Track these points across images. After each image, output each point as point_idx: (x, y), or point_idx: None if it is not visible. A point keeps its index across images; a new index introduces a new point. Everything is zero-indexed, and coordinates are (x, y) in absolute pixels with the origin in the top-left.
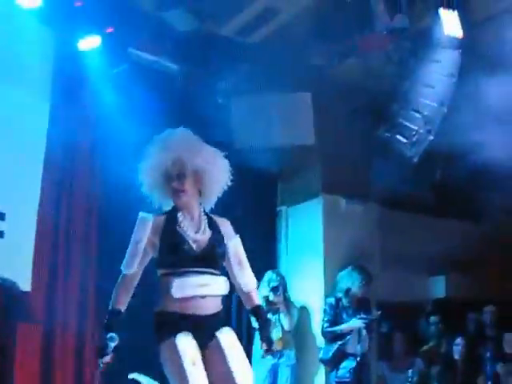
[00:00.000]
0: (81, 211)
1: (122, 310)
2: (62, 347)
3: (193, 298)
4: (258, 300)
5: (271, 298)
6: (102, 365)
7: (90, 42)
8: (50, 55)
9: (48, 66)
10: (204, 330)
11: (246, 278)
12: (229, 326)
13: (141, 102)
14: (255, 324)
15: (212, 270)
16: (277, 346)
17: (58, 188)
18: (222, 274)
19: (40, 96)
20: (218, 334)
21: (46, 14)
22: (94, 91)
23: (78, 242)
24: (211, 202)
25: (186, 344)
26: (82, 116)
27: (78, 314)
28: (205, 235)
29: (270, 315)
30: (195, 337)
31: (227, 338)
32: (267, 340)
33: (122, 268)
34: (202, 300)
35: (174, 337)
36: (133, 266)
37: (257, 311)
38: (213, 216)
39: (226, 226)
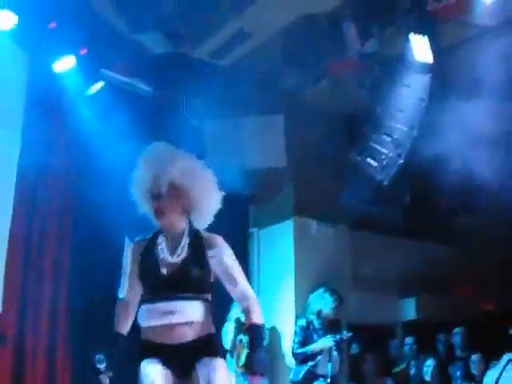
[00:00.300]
0: (53, 230)
1: (123, 333)
2: (33, 366)
3: (162, 326)
4: (254, 318)
5: (242, 319)
6: None
7: (64, 64)
8: (23, 76)
9: (21, 87)
10: (179, 358)
11: (238, 294)
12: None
13: (114, 122)
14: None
15: (185, 295)
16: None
17: (30, 206)
18: (202, 297)
19: (13, 115)
20: (197, 365)
21: (19, 35)
22: (67, 112)
23: (49, 262)
24: (204, 220)
25: (150, 372)
26: (56, 136)
27: (49, 334)
28: (179, 257)
29: (241, 336)
30: (172, 365)
31: (206, 371)
32: (252, 362)
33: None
34: (170, 328)
35: (143, 364)
36: (123, 292)
37: (248, 330)
38: (203, 234)
39: (215, 243)
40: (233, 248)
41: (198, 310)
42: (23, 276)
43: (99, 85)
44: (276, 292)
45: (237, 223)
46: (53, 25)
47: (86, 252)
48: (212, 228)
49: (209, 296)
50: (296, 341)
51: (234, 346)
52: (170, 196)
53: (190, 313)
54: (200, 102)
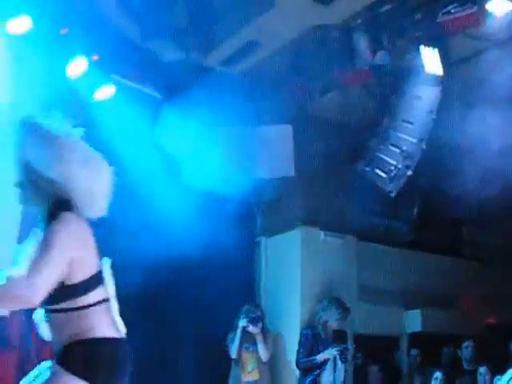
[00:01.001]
0: None
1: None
2: None
3: None
4: None
5: (249, 328)
6: None
7: (76, 68)
8: (37, 80)
9: (36, 90)
10: None
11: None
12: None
13: (124, 128)
14: None
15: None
16: (252, 376)
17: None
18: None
19: None
20: None
21: (33, 40)
22: (79, 116)
23: None
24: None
25: None
26: None
27: None
28: None
29: (246, 344)
30: None
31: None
32: None
33: None
34: None
35: None
36: None
37: None
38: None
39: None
40: (240, 256)
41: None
42: None
43: (110, 90)
44: (282, 301)
45: (244, 232)
46: (64, 30)
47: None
48: (220, 236)
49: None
50: (301, 351)
51: (239, 354)
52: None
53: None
54: (209, 111)
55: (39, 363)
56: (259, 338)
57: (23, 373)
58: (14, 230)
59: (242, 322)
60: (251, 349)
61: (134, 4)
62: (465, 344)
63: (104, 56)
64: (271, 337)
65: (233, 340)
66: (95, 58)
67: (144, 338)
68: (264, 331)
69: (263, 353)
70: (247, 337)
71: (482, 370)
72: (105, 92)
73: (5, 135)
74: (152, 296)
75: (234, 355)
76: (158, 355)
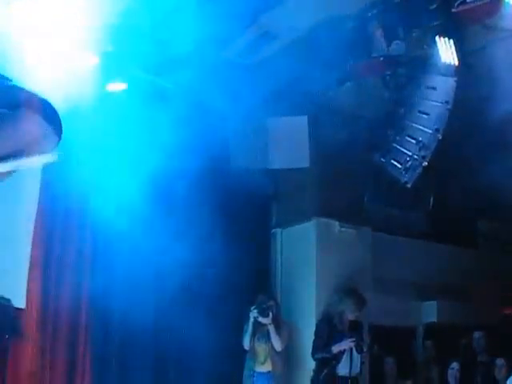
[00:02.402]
0: (75, 226)
1: None
2: (54, 365)
3: None
4: None
5: (260, 319)
6: None
7: (88, 62)
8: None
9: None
10: None
11: None
12: None
13: (137, 121)
14: None
15: None
16: (265, 367)
17: (53, 206)
18: None
19: None
20: None
21: None
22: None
23: (71, 259)
24: None
25: None
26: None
27: (70, 331)
28: None
29: (259, 335)
30: None
31: None
32: None
33: None
34: None
35: None
36: None
37: None
38: None
39: None
40: (255, 247)
41: None
42: (45, 273)
43: (123, 83)
44: (297, 292)
45: (260, 223)
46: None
47: (109, 248)
48: (235, 227)
49: None
50: (317, 341)
51: (252, 346)
52: None
53: None
54: (225, 102)
55: (54, 355)
56: (271, 329)
57: (38, 365)
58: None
59: (253, 313)
60: (263, 340)
61: None
62: (476, 335)
63: (118, 48)
64: (286, 327)
65: (246, 331)
66: (108, 49)
67: (162, 320)
68: (277, 321)
69: (275, 343)
70: (261, 328)
71: (499, 362)
72: (118, 84)
73: None
74: (169, 288)
75: (246, 346)
76: (175, 339)
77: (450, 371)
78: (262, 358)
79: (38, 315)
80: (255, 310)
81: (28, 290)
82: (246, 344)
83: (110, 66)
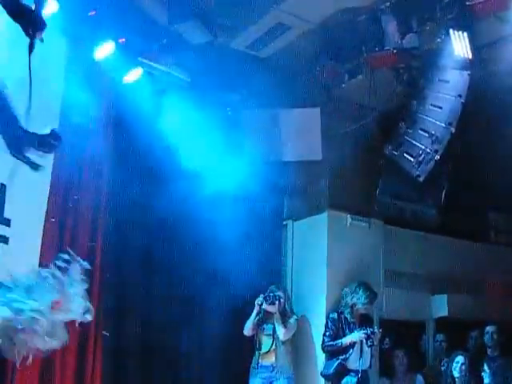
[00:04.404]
0: (86, 221)
1: None
2: (63, 362)
3: None
4: None
5: (264, 306)
6: None
7: (103, 51)
8: (63, 62)
9: (61, 72)
10: None
11: None
12: None
13: (151, 110)
14: None
15: None
16: (269, 359)
17: (64, 195)
18: None
19: (53, 100)
20: None
21: (60, 22)
22: (106, 98)
23: (83, 251)
24: None
25: None
26: (94, 121)
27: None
28: None
29: (264, 325)
30: None
31: None
32: None
33: None
34: None
35: None
36: None
37: None
38: None
39: None
40: (267, 239)
41: None
42: None
43: (138, 72)
44: (308, 284)
45: (272, 214)
46: (92, 13)
47: (120, 242)
48: (247, 218)
49: None
50: (327, 334)
51: (258, 336)
52: None
53: None
54: (237, 94)
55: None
56: (276, 317)
57: (48, 365)
58: None
59: (258, 300)
60: (269, 331)
61: None
62: (486, 329)
63: (131, 39)
64: (294, 319)
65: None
66: (122, 40)
67: (173, 318)
68: (285, 312)
69: (279, 331)
70: (268, 319)
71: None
72: (132, 75)
73: None
74: (179, 275)
75: (246, 332)
76: (185, 338)
77: (454, 364)
78: (265, 349)
79: None
80: (260, 297)
81: None
82: (246, 329)
83: (124, 57)
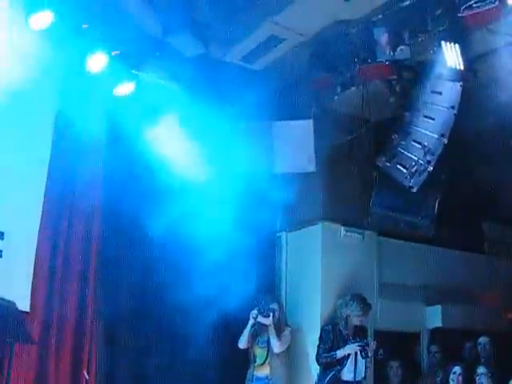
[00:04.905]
0: (80, 232)
1: None
2: (57, 367)
3: None
4: None
5: (259, 319)
6: None
7: (96, 63)
8: (57, 75)
9: (55, 85)
10: None
11: None
12: None
13: (145, 123)
14: None
15: None
16: (263, 371)
17: (59, 208)
18: None
19: (46, 113)
20: None
21: (54, 35)
22: (99, 111)
23: (76, 265)
24: None
25: None
26: (87, 136)
27: (75, 335)
28: None
29: (259, 338)
30: None
31: None
32: None
33: None
34: None
35: None
36: None
37: None
38: None
39: None
40: (261, 250)
41: None
42: (50, 278)
43: (131, 86)
44: (302, 296)
45: (265, 226)
46: (85, 25)
47: (114, 252)
48: (241, 230)
49: None
50: (322, 346)
51: (252, 348)
52: None
53: None
54: (231, 106)
55: (58, 359)
56: (270, 330)
57: (42, 369)
58: None
59: (253, 313)
60: (263, 343)
61: None
62: (478, 341)
63: (125, 51)
64: (288, 332)
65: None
66: (115, 53)
67: (168, 327)
68: (279, 324)
69: (274, 344)
70: (262, 331)
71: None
72: (125, 87)
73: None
74: (174, 288)
75: (241, 345)
76: (181, 346)
77: (451, 375)
78: (260, 361)
79: (41, 319)
80: (255, 310)
81: (32, 293)
82: (241, 343)
83: (118, 69)
